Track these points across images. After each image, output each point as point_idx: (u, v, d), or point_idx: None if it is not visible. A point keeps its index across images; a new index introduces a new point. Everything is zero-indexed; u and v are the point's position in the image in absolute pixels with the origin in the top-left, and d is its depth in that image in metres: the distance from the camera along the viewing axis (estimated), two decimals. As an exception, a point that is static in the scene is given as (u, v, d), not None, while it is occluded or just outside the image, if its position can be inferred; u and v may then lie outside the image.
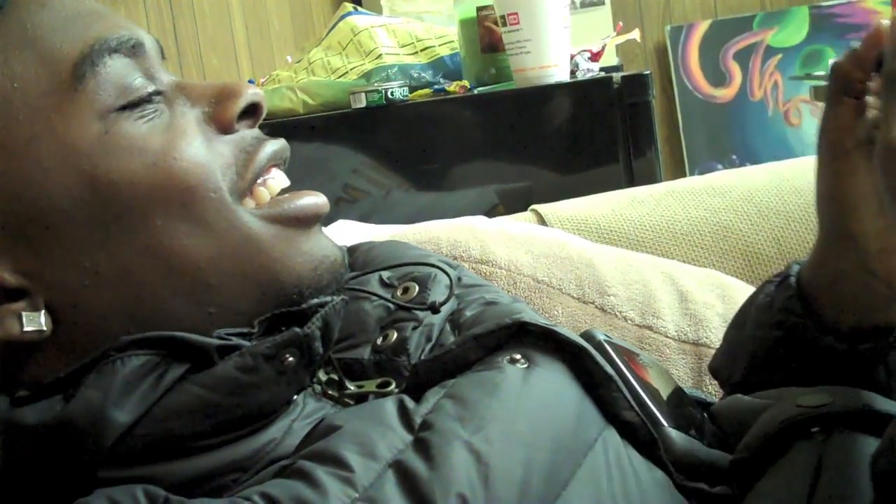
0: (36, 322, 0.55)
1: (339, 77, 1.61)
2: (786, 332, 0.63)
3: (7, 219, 0.55)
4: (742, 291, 0.96)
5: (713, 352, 0.90)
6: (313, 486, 0.49)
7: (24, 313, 0.55)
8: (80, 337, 0.56)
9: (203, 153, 0.58)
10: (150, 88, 0.58)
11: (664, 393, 0.64)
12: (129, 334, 0.55)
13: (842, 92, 0.58)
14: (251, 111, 0.62)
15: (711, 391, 0.88)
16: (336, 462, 0.51)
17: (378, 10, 2.18)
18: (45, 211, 0.55)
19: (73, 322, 0.56)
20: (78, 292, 0.56)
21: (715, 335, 0.90)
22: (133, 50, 0.59)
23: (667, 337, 0.91)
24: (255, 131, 0.62)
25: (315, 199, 0.63)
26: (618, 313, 0.92)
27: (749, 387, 0.65)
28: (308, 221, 0.62)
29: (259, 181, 0.61)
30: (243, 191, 0.60)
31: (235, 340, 0.56)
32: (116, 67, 0.57)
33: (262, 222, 0.59)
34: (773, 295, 0.65)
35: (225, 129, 0.60)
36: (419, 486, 0.50)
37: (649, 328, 0.91)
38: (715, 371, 0.72)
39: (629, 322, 0.92)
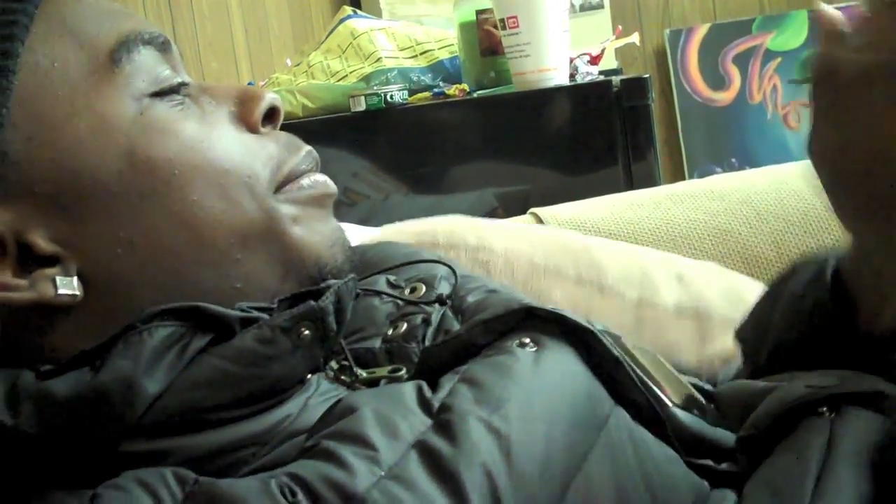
0: (70, 286, 0.57)
1: (338, 80, 1.61)
2: (814, 329, 0.62)
3: (43, 187, 0.57)
4: (740, 280, 0.96)
5: (714, 322, 0.90)
6: (340, 466, 0.50)
7: (57, 277, 0.56)
8: (110, 305, 0.58)
9: (238, 146, 0.62)
10: (178, 80, 0.62)
11: (661, 378, 0.65)
12: (156, 305, 0.56)
13: None
14: (271, 115, 0.65)
15: (713, 361, 0.87)
16: (360, 441, 0.51)
17: (377, 13, 2.18)
18: (81, 181, 0.58)
19: (103, 290, 0.58)
20: (111, 261, 0.58)
21: (714, 305, 0.90)
22: (163, 46, 0.63)
23: (666, 311, 0.91)
24: (286, 133, 0.66)
25: (327, 178, 0.67)
26: (616, 293, 0.92)
27: (772, 372, 0.64)
28: (324, 202, 0.66)
29: (307, 183, 0.65)
30: (278, 183, 0.63)
31: (256, 314, 0.58)
32: (148, 58, 0.62)
33: (286, 204, 0.63)
34: (806, 288, 0.63)
35: (251, 128, 0.64)
36: (443, 462, 0.51)
37: (648, 305, 0.91)
38: (741, 340, 0.71)
39: (627, 301, 0.92)
